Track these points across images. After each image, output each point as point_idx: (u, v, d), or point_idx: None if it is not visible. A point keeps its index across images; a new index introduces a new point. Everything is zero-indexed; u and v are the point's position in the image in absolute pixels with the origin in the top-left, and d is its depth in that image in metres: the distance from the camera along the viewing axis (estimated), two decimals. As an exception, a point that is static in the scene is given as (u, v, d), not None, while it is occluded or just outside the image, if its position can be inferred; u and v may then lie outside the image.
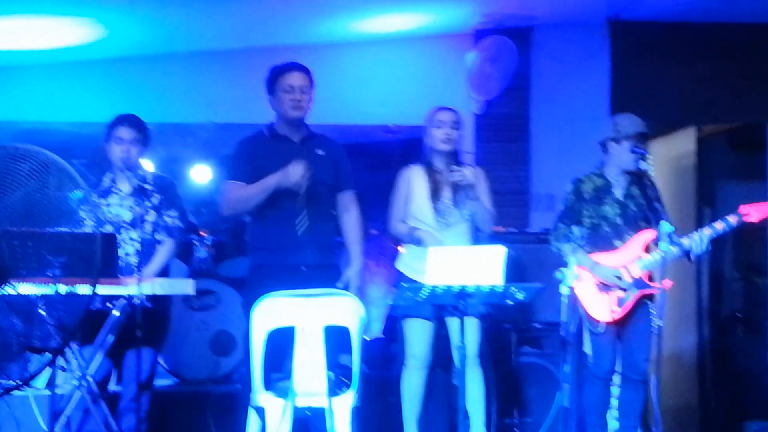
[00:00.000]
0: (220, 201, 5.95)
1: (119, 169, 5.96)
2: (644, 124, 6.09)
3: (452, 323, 5.98)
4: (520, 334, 6.88)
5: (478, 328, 6.05)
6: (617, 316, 5.96)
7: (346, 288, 5.74)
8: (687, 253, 5.96)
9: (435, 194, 6.11)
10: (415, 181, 6.16)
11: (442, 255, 5.30)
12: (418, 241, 6.03)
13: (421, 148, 6.25)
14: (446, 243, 5.93)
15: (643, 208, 6.03)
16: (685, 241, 5.88)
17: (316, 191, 5.76)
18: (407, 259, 6.14)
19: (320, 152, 5.85)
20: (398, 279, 6.11)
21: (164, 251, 5.99)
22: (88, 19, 7.32)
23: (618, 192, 6.07)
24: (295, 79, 5.77)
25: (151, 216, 5.87)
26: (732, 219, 5.92)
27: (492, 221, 6.16)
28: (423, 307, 5.86)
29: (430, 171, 6.16)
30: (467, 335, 5.86)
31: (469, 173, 6.04)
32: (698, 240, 5.89)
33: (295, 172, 5.58)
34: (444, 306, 5.78)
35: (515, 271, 6.19)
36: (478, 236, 6.17)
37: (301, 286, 5.33)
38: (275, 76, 5.81)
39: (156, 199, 5.94)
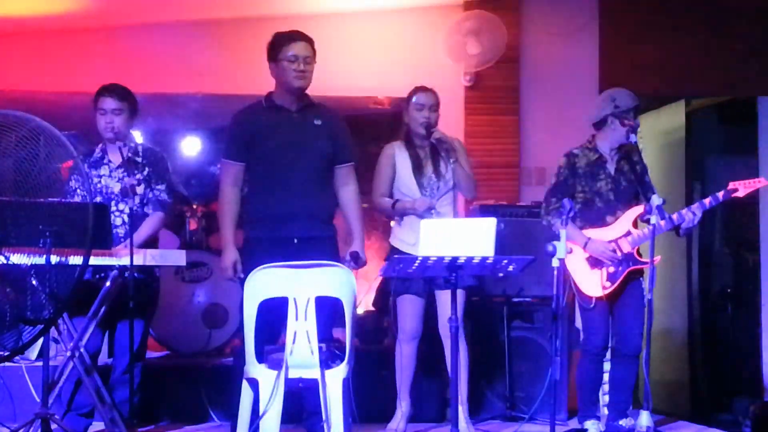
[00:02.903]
0: (220, 179, 5.92)
1: (108, 140, 5.94)
2: (636, 97, 6.12)
3: (440, 296, 6.14)
4: (510, 308, 6.87)
5: (462, 300, 6.04)
6: (608, 291, 5.98)
7: (354, 263, 5.75)
8: (676, 228, 5.98)
9: (418, 169, 6.24)
10: (398, 157, 6.26)
11: (434, 227, 5.31)
12: (402, 212, 6.15)
13: (401, 125, 6.35)
14: (437, 213, 6.06)
15: (634, 183, 6.06)
16: (675, 216, 5.90)
17: (310, 162, 5.75)
18: (400, 234, 6.18)
19: (317, 122, 5.81)
20: (391, 253, 6.13)
21: (151, 223, 5.97)
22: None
23: (611, 167, 6.08)
24: (300, 48, 5.71)
25: (140, 188, 5.84)
26: (720, 194, 5.96)
27: (474, 187, 6.26)
28: (414, 284, 6.05)
29: (411, 146, 6.28)
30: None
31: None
32: (688, 215, 5.91)
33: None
34: (434, 279, 5.91)
35: (505, 244, 6.19)
36: (459, 207, 6.25)
37: (292, 258, 5.31)
38: (279, 44, 5.74)
39: (145, 171, 5.91)
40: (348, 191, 5.91)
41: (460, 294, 5.96)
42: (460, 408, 5.98)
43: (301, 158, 5.72)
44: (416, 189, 6.19)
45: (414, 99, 6.26)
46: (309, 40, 5.77)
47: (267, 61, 5.80)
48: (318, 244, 5.69)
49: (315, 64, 5.77)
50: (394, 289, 6.13)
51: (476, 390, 6.57)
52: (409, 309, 6.20)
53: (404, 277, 5.65)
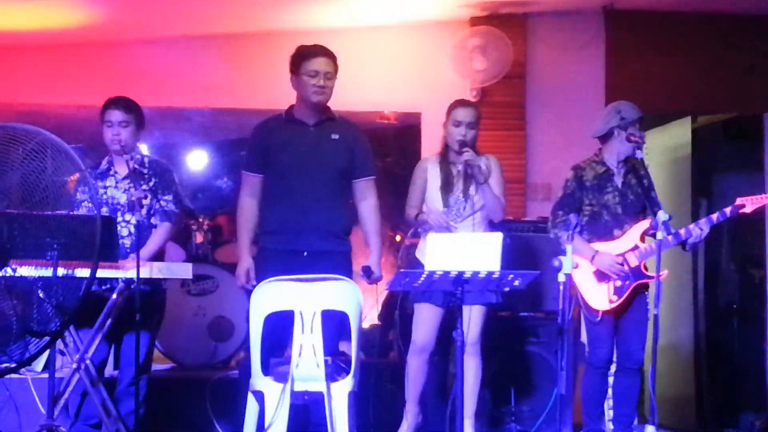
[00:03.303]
0: (241, 190, 5.97)
1: (114, 152, 5.96)
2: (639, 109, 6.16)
3: (464, 311, 5.97)
4: (517, 323, 6.87)
5: (481, 316, 6.07)
6: (615, 305, 5.98)
7: (366, 277, 5.76)
8: (683, 243, 5.99)
9: (446, 186, 6.16)
10: (430, 172, 6.21)
11: (441, 241, 5.31)
12: (422, 224, 6.09)
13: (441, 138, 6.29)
14: (458, 231, 6.01)
15: (641, 197, 6.07)
16: (682, 231, 5.91)
17: (324, 176, 5.77)
18: (424, 248, 6.08)
19: (335, 136, 5.84)
20: (416, 266, 6.07)
21: (159, 235, 5.98)
22: (86, 2, 7.29)
23: (618, 180, 6.09)
24: (321, 64, 5.74)
25: (146, 200, 5.86)
26: (728, 210, 5.96)
27: (501, 210, 6.16)
28: (435, 294, 5.94)
29: (445, 162, 6.21)
30: (471, 322, 5.89)
31: (483, 162, 6.10)
32: (695, 230, 5.92)
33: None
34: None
35: (511, 259, 6.19)
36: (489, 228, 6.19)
37: (302, 272, 5.33)
38: (301, 58, 5.78)
39: (151, 182, 5.93)
40: (366, 206, 5.93)
41: (480, 310, 6.00)
42: (467, 422, 5.99)
43: (316, 172, 5.75)
44: (440, 206, 6.13)
45: (452, 114, 6.18)
46: (331, 56, 5.79)
47: (289, 73, 5.83)
48: (330, 258, 5.70)
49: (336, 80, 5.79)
50: (413, 296, 6.10)
51: (482, 404, 6.55)
52: (424, 317, 6.10)
53: (412, 290, 5.64)
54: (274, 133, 5.88)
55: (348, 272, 5.71)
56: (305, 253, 5.70)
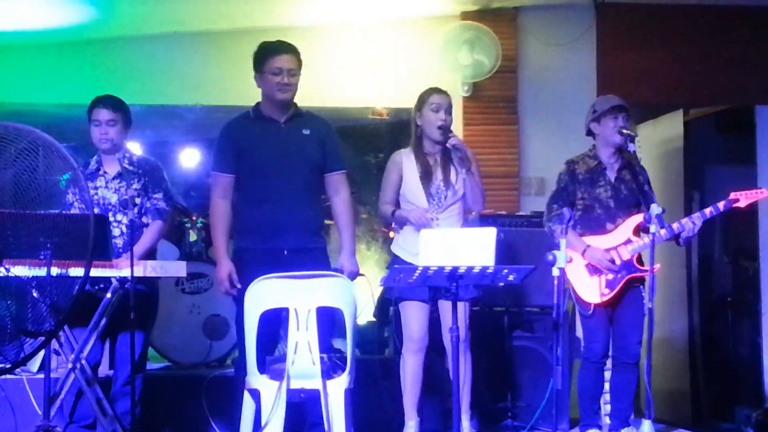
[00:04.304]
0: (212, 192, 5.90)
1: (103, 151, 5.95)
2: (619, 99, 6.10)
3: (444, 306, 6.01)
4: (511, 318, 6.86)
5: (465, 311, 6.00)
6: (606, 298, 5.98)
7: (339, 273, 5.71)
8: (676, 237, 5.99)
9: (426, 176, 6.08)
10: (405, 165, 6.13)
11: (434, 237, 5.30)
12: (404, 220, 6.04)
13: (412, 130, 6.19)
14: (440, 224, 5.97)
15: (635, 192, 6.07)
16: (675, 226, 5.91)
17: (300, 172, 5.73)
18: (402, 242, 6.12)
19: (306, 132, 5.80)
20: (393, 261, 6.11)
21: (152, 232, 5.96)
22: (76, 0, 7.27)
23: (611, 175, 6.09)
24: (284, 61, 5.71)
25: (138, 199, 5.84)
26: (721, 204, 5.96)
27: (482, 199, 6.13)
28: (419, 290, 5.83)
29: (421, 154, 6.13)
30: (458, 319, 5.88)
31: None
32: (688, 224, 5.92)
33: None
34: (438, 288, 5.76)
35: (505, 254, 6.19)
36: (466, 219, 6.18)
37: (281, 270, 5.31)
38: (264, 57, 5.75)
39: (142, 181, 5.92)
40: (339, 200, 5.88)
41: (464, 305, 5.97)
42: (463, 417, 5.97)
43: (290, 169, 5.71)
44: (423, 197, 6.05)
45: (429, 100, 6.10)
46: (294, 52, 5.76)
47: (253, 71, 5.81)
48: (309, 255, 5.68)
49: (300, 75, 5.76)
50: (396, 296, 6.06)
51: (478, 400, 6.55)
52: (413, 315, 6.04)
53: (405, 287, 5.62)
54: (244, 131, 5.82)
55: (326, 267, 5.68)
56: (285, 251, 5.66)
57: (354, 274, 5.82)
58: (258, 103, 5.87)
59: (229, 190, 5.81)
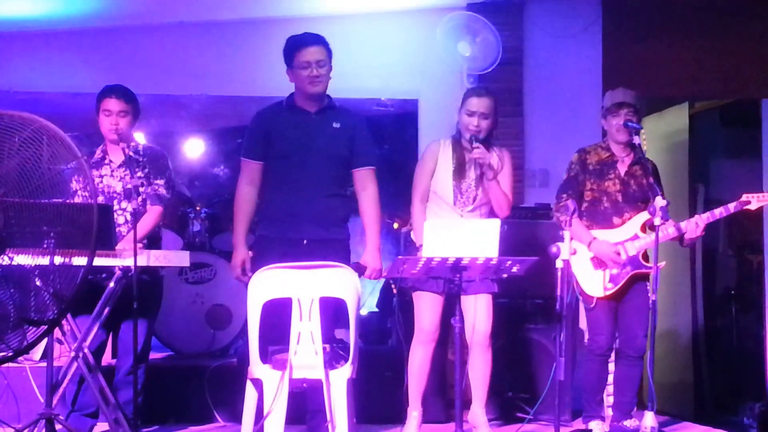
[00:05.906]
0: (239, 178, 5.88)
1: (111, 141, 5.94)
2: (629, 95, 6.04)
3: (465, 301, 5.85)
4: (514, 309, 6.85)
5: (488, 306, 5.97)
6: (609, 292, 5.97)
7: (360, 275, 5.65)
8: (681, 237, 5.97)
9: (459, 172, 6.00)
10: (441, 155, 6.04)
11: (438, 228, 5.30)
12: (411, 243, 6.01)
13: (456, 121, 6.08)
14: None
15: (644, 189, 6.00)
16: (683, 224, 5.89)
17: (324, 164, 5.72)
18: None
19: (336, 125, 5.77)
20: (412, 251, 6.00)
21: (151, 218, 5.96)
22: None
23: (621, 169, 6.06)
24: (310, 54, 5.66)
25: (142, 188, 5.85)
26: (732, 206, 5.93)
27: (508, 207, 6.02)
28: (433, 281, 5.81)
29: (458, 147, 6.03)
30: (478, 314, 5.85)
31: (494, 157, 5.97)
32: (694, 224, 5.90)
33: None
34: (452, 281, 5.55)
35: (509, 246, 6.18)
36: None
37: (301, 260, 5.30)
38: (291, 51, 5.71)
39: (146, 169, 5.93)
40: (365, 196, 5.85)
41: (486, 300, 5.94)
42: (479, 411, 5.95)
43: (316, 160, 5.70)
44: (451, 194, 5.97)
45: (467, 102, 5.97)
46: (320, 42, 5.72)
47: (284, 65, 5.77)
48: (329, 246, 5.65)
49: (331, 65, 5.72)
50: (412, 285, 5.97)
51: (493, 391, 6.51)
52: (425, 306, 5.98)
53: (409, 277, 5.59)
54: (275, 120, 5.81)
55: (346, 260, 5.66)
56: (305, 241, 5.66)
57: (378, 272, 5.81)
58: (292, 94, 5.85)
59: (256, 176, 5.81)
